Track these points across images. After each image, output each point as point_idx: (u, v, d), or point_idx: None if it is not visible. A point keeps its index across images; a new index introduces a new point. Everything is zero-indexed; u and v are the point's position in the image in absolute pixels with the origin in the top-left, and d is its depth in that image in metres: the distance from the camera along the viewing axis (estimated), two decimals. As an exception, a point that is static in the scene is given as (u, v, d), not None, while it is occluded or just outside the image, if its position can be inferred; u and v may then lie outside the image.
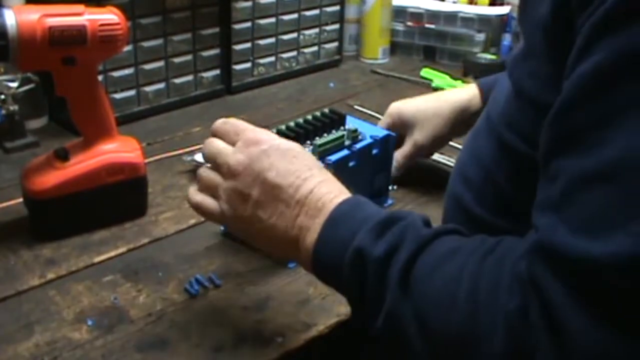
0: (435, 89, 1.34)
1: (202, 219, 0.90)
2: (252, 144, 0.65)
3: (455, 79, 1.39)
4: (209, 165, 0.69)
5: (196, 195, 0.69)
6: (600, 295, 0.46)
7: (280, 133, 0.84)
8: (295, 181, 0.64)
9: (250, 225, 0.65)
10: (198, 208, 0.69)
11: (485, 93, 0.95)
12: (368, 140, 0.89)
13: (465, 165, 0.73)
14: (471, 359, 0.53)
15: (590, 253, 0.46)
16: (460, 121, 0.97)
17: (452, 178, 0.76)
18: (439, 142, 1.01)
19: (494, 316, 0.51)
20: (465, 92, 0.99)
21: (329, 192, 0.63)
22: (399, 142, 0.98)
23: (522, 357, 0.50)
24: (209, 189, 0.68)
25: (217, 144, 0.68)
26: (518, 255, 0.52)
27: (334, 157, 0.85)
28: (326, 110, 0.93)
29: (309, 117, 0.91)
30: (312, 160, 0.67)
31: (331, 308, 0.77)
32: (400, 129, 0.99)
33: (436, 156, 1.09)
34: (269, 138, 0.66)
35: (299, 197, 0.63)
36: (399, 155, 0.99)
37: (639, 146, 0.46)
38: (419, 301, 0.55)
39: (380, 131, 0.92)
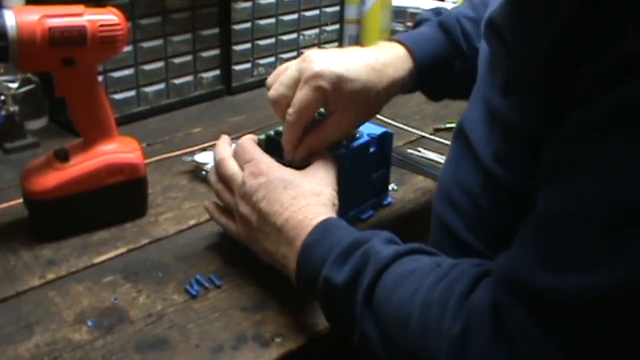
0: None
1: (202, 219, 0.91)
2: (254, 176, 0.74)
3: (455, 79, 1.38)
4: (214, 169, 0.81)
5: (221, 218, 0.81)
6: (562, 326, 0.49)
7: (269, 139, 0.85)
8: (279, 210, 0.71)
9: (257, 247, 0.76)
10: (222, 227, 0.82)
11: (419, 61, 0.84)
12: (365, 139, 0.89)
13: (451, 189, 0.72)
14: None
15: (555, 286, 0.49)
16: (391, 98, 0.84)
17: (438, 199, 0.75)
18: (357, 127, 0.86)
19: (439, 340, 0.55)
20: (403, 70, 0.83)
21: (304, 219, 0.70)
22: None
23: None
24: (229, 206, 0.79)
25: (230, 168, 0.78)
26: (469, 282, 0.56)
27: None
28: (322, 110, 0.93)
29: None
30: (302, 190, 0.73)
31: (331, 309, 0.76)
32: (331, 103, 0.78)
33: (434, 156, 1.09)
34: (269, 171, 0.74)
35: (280, 224, 0.71)
36: (316, 139, 0.81)
37: (621, 194, 0.46)
38: (382, 322, 0.60)
39: (377, 129, 0.92)
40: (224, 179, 0.79)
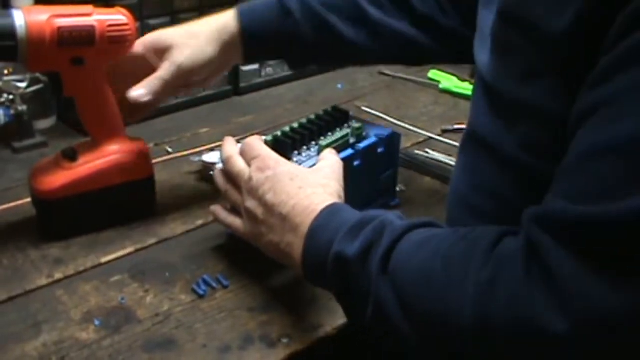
0: (443, 91, 1.34)
1: (210, 219, 0.91)
2: (260, 170, 0.74)
3: (462, 80, 1.38)
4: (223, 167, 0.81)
5: (227, 217, 0.80)
6: (598, 254, 0.49)
7: (276, 139, 0.85)
8: (284, 199, 0.71)
9: (260, 241, 0.74)
10: (228, 227, 0.80)
11: (241, 16, 0.88)
12: (373, 139, 0.89)
13: (469, 196, 0.72)
14: (445, 334, 0.56)
15: (590, 214, 0.49)
16: (222, 43, 0.87)
17: (454, 206, 0.76)
18: (205, 65, 0.86)
19: (464, 289, 0.54)
20: (226, 16, 0.89)
21: (310, 205, 0.69)
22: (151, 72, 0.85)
23: (489, 328, 0.53)
24: (236, 205, 0.78)
25: (238, 165, 0.77)
26: (492, 238, 0.56)
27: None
28: (329, 108, 0.93)
29: (312, 116, 0.91)
30: (308, 181, 0.73)
31: (338, 309, 0.76)
32: (156, 56, 0.86)
33: (442, 157, 1.09)
34: (276, 165, 0.74)
35: (285, 213, 0.70)
36: (152, 76, 0.84)
37: None
38: (399, 286, 0.59)
39: (385, 130, 0.92)
40: (231, 176, 0.78)
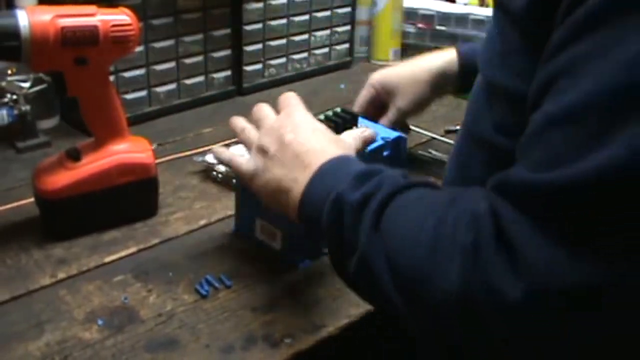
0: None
1: (213, 219, 0.91)
2: (287, 115, 0.76)
3: (466, 80, 1.38)
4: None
5: (231, 155, 0.79)
6: (555, 221, 0.49)
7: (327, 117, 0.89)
8: (302, 141, 0.72)
9: (262, 176, 0.73)
10: (229, 162, 0.79)
11: (462, 55, 1.02)
12: (379, 142, 0.89)
13: (455, 180, 0.74)
14: (429, 294, 0.55)
15: (544, 180, 0.49)
16: (439, 84, 1.03)
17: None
18: (419, 106, 1.06)
19: (451, 251, 0.54)
20: (442, 56, 1.04)
21: (326, 150, 0.70)
22: (380, 110, 1.04)
23: (474, 292, 0.52)
24: (247, 144, 0.78)
25: (265, 110, 0.78)
26: (480, 197, 0.56)
27: None
28: (338, 109, 0.93)
29: (321, 117, 0.91)
30: (328, 135, 0.74)
31: (341, 309, 0.76)
32: (383, 97, 1.04)
33: (445, 157, 1.08)
34: (304, 117, 0.76)
35: (298, 151, 0.71)
36: (384, 122, 1.03)
37: (603, 90, 0.47)
38: (388, 239, 0.59)
39: (391, 133, 0.92)
40: (255, 117, 0.78)
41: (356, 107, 1.05)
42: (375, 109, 1.05)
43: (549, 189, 0.49)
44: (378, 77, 1.06)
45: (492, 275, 0.51)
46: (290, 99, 0.78)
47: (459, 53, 1.02)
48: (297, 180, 0.69)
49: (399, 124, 1.05)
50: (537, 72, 0.55)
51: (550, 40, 0.53)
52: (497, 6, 0.68)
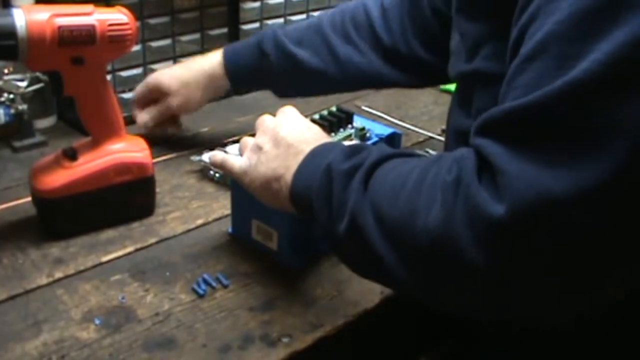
0: (443, 91, 1.34)
1: (210, 219, 0.91)
2: (282, 113, 0.78)
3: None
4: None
5: (225, 156, 0.81)
6: (530, 139, 0.53)
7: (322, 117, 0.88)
8: (296, 136, 0.74)
9: (255, 170, 0.75)
10: (223, 164, 0.80)
11: (225, 55, 1.05)
12: (374, 139, 0.89)
13: None
14: (414, 235, 0.58)
15: (520, 104, 0.53)
16: (208, 86, 1.06)
17: None
18: (190, 107, 1.09)
19: (433, 191, 0.57)
20: (210, 59, 1.07)
21: (317, 140, 0.73)
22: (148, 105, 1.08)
23: (456, 225, 0.54)
24: (243, 147, 0.80)
25: (269, 118, 0.79)
26: (464, 150, 0.59)
27: None
28: (334, 108, 0.94)
29: (316, 116, 0.91)
30: (321, 133, 0.77)
31: (338, 309, 0.77)
32: (156, 96, 1.07)
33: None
34: (297, 117, 0.78)
35: (291, 142, 0.73)
36: (152, 112, 1.08)
37: (564, 20, 0.52)
38: (375, 193, 0.62)
39: (386, 130, 0.92)
40: (258, 124, 0.80)
41: (132, 103, 1.10)
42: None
43: (525, 110, 0.52)
44: (153, 77, 1.08)
45: (475, 204, 0.53)
46: (287, 108, 0.80)
47: (224, 54, 1.05)
48: (290, 166, 0.72)
49: (171, 119, 1.10)
50: (510, 33, 0.59)
51: (517, 4, 0.58)
52: (457, 12, 0.76)
